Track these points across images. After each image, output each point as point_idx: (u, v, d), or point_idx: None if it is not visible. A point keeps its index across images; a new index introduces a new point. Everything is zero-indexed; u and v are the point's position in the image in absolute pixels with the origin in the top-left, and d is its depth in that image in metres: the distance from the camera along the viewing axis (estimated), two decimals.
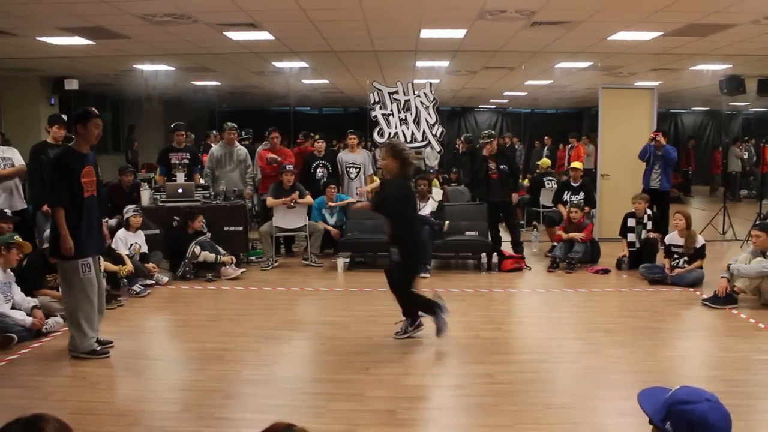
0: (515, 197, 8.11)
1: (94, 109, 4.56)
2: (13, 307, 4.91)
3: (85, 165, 4.41)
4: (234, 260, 7.21)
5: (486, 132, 8.29)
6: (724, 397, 3.70)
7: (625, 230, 7.65)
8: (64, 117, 6.97)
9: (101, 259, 6.03)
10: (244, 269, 7.23)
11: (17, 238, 5.08)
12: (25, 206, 6.57)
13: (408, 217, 4.84)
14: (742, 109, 19.10)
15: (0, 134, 6.68)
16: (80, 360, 4.39)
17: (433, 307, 4.76)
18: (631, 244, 7.56)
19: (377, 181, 10.45)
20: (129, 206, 6.93)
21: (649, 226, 7.55)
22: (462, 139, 14.28)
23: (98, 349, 4.47)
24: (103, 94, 15.22)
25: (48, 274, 5.44)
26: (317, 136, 9.05)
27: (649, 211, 7.64)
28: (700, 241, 6.77)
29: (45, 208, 6.27)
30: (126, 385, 4.10)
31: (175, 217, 7.31)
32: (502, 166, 7.77)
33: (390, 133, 8.64)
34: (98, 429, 3.35)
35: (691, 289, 6.50)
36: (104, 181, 9.74)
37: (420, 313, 4.90)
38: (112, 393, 3.92)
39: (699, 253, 6.72)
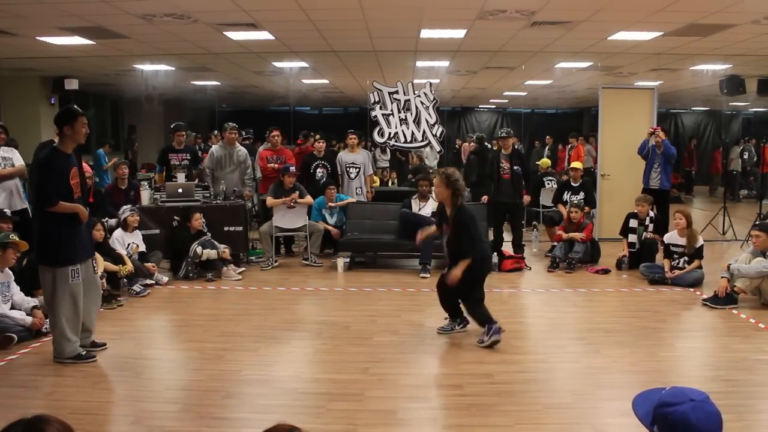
0: (527, 199, 8.06)
1: (76, 106, 4.40)
2: (12, 307, 4.91)
3: (72, 167, 4.30)
4: (229, 249, 7.19)
5: (504, 130, 8.25)
6: (724, 397, 3.71)
7: (626, 230, 7.66)
8: None
9: (100, 259, 6.06)
10: (244, 269, 7.24)
11: (13, 237, 5.06)
12: (26, 206, 6.57)
13: (480, 237, 4.98)
14: (742, 109, 19.11)
15: (6, 135, 6.68)
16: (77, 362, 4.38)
17: (486, 320, 4.82)
18: (631, 245, 7.57)
19: (377, 181, 10.48)
20: (125, 206, 6.93)
21: (651, 228, 7.55)
22: (474, 137, 14.27)
23: (83, 353, 4.37)
24: (103, 94, 15.24)
25: None
26: (317, 136, 9.05)
27: (651, 214, 7.63)
28: (700, 241, 6.77)
29: None
30: (126, 385, 4.10)
31: (175, 217, 7.31)
32: (515, 167, 7.74)
33: (390, 133, 8.65)
34: (98, 429, 3.35)
35: (691, 289, 6.50)
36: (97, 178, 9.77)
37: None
38: (112, 393, 3.92)
39: (698, 254, 6.72)
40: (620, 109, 9.65)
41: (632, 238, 7.58)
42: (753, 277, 5.78)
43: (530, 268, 7.63)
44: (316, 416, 3.52)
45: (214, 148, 8.30)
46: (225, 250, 7.09)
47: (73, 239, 4.30)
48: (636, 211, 7.64)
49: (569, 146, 13.62)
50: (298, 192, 7.74)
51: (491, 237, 7.83)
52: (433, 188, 4.98)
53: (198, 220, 7.15)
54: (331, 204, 8.13)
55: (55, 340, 4.37)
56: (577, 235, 7.61)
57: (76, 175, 4.34)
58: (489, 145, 13.28)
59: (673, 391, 1.61)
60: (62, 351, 4.33)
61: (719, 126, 19.57)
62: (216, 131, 12.10)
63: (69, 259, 4.28)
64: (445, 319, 5.12)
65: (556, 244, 7.84)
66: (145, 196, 7.69)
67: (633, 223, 7.61)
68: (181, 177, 7.77)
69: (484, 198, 7.86)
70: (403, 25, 7.80)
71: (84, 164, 5.07)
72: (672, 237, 6.92)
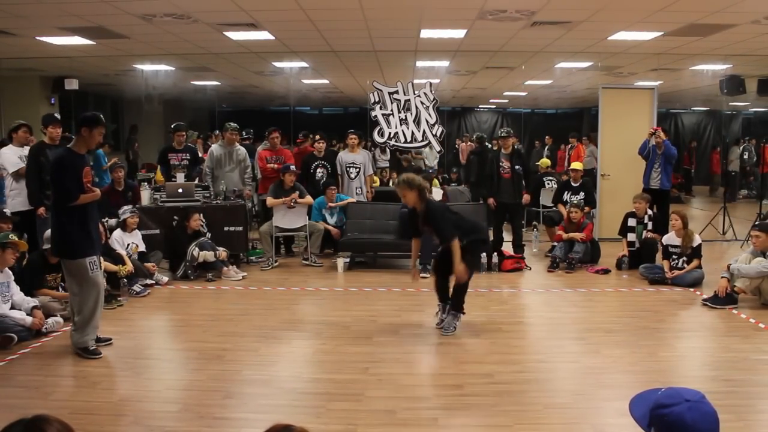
0: (527, 198, 7.93)
1: (102, 116, 4.63)
2: (12, 307, 4.91)
3: (84, 165, 4.49)
4: (227, 251, 7.19)
5: (504, 129, 8.26)
6: (724, 397, 3.72)
7: (625, 230, 7.66)
8: (57, 116, 7.00)
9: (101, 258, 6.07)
10: (245, 273, 7.18)
11: (12, 237, 5.07)
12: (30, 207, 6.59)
13: (458, 225, 5.07)
14: (742, 109, 19.11)
15: (30, 134, 6.81)
16: (80, 359, 4.40)
17: (462, 307, 5.12)
18: (630, 244, 7.57)
19: (377, 181, 10.49)
20: (125, 207, 6.92)
21: (650, 226, 7.56)
22: (474, 137, 14.30)
23: (91, 348, 4.50)
24: (103, 94, 15.23)
25: (48, 273, 5.45)
26: (317, 137, 9.05)
27: (650, 212, 7.64)
28: (697, 240, 6.78)
29: (40, 211, 6.30)
30: (126, 385, 4.10)
31: (175, 217, 7.31)
32: (515, 167, 7.71)
33: (390, 133, 8.65)
34: (98, 429, 3.35)
35: (691, 289, 6.51)
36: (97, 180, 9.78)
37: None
38: (112, 393, 3.92)
39: (695, 253, 6.73)
40: (620, 109, 9.65)
41: (631, 237, 7.59)
42: (753, 277, 5.78)
43: (530, 268, 7.63)
44: (316, 416, 3.52)
45: (214, 148, 8.30)
46: (223, 253, 7.09)
47: (89, 233, 4.49)
48: (633, 209, 7.64)
49: (569, 146, 13.63)
50: (298, 192, 7.75)
51: (491, 237, 7.83)
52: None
53: (196, 221, 7.14)
54: (331, 204, 8.13)
55: (76, 330, 4.49)
56: (577, 235, 7.61)
57: (89, 174, 4.55)
58: (489, 145, 13.29)
59: (668, 392, 1.61)
60: (76, 340, 4.47)
61: (719, 126, 19.56)
62: (216, 131, 12.10)
63: (87, 251, 4.45)
64: (436, 314, 5.28)
65: (556, 244, 7.83)
66: (145, 196, 7.68)
67: (631, 222, 7.62)
68: (180, 177, 7.78)
69: (491, 201, 7.81)
70: (403, 25, 7.80)
71: None
72: (670, 238, 6.92)
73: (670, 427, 1.54)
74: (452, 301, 5.12)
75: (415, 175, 5.18)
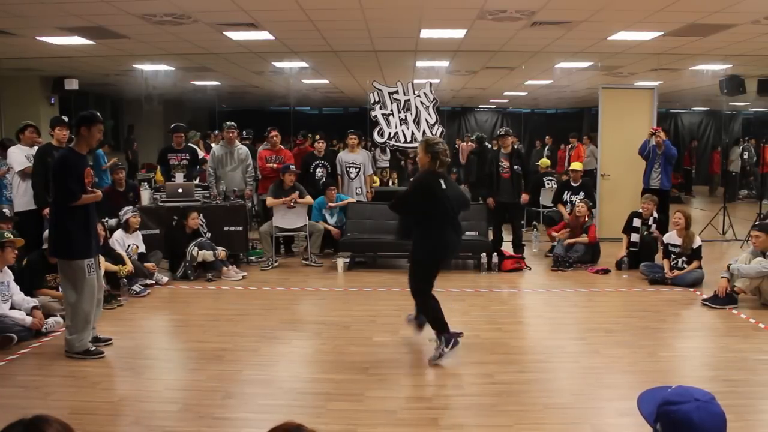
0: (525, 198, 7.85)
1: (98, 114, 4.63)
2: (12, 307, 4.91)
3: (86, 166, 4.51)
4: (226, 251, 7.19)
5: (503, 129, 8.26)
6: (724, 397, 3.69)
7: (629, 229, 7.66)
8: (65, 118, 7.02)
9: (101, 259, 6.08)
10: (245, 273, 7.18)
11: (8, 235, 5.07)
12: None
13: (427, 212, 4.40)
14: (742, 109, 19.11)
15: (38, 135, 6.86)
16: (79, 360, 4.40)
17: (442, 327, 4.41)
18: (633, 244, 7.56)
19: (377, 181, 10.48)
20: (126, 207, 6.92)
21: (653, 228, 7.55)
22: (473, 137, 14.32)
23: (92, 348, 4.50)
24: (103, 94, 15.22)
25: (48, 274, 5.45)
26: (318, 136, 9.04)
27: (655, 214, 7.62)
28: (698, 242, 6.78)
29: (46, 211, 6.30)
30: (126, 385, 4.10)
31: (175, 217, 7.32)
32: (515, 167, 7.70)
33: (390, 133, 8.65)
34: (98, 429, 3.35)
35: (691, 289, 6.50)
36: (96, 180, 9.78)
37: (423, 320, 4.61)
38: (112, 393, 3.92)
39: (695, 255, 6.72)
40: (620, 109, 9.65)
41: (634, 237, 7.58)
42: (753, 277, 5.78)
43: (530, 268, 7.63)
44: (316, 416, 3.52)
45: (216, 148, 8.34)
46: (222, 252, 7.09)
47: (89, 234, 4.50)
48: (641, 209, 7.64)
49: (569, 146, 13.64)
50: (297, 192, 7.75)
51: (491, 237, 7.83)
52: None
53: (194, 220, 7.14)
54: (331, 204, 8.13)
55: (69, 334, 4.46)
56: (582, 240, 7.64)
57: (90, 175, 4.56)
58: (489, 145, 13.30)
59: (678, 390, 1.61)
60: (73, 345, 4.44)
61: (719, 126, 19.57)
62: (216, 131, 12.11)
63: (84, 253, 4.45)
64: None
65: (555, 243, 7.84)
66: (145, 196, 7.68)
67: (636, 222, 7.61)
68: (180, 177, 7.78)
69: (490, 201, 7.80)
70: (403, 25, 7.79)
71: None
72: (671, 237, 6.92)
73: (677, 425, 1.53)
74: (429, 325, 4.49)
75: (439, 141, 4.58)
